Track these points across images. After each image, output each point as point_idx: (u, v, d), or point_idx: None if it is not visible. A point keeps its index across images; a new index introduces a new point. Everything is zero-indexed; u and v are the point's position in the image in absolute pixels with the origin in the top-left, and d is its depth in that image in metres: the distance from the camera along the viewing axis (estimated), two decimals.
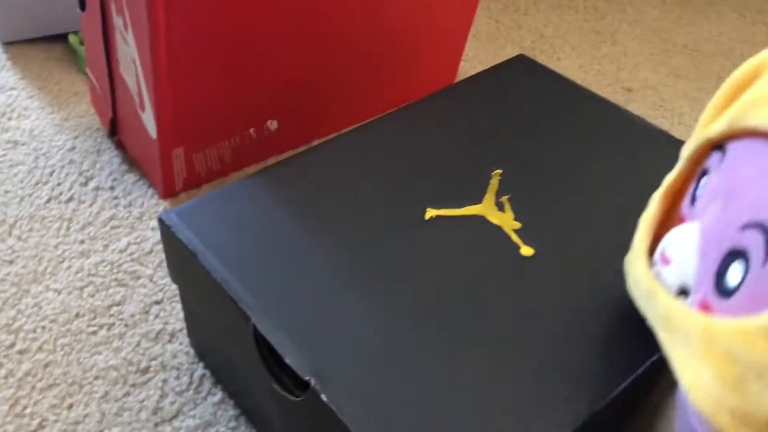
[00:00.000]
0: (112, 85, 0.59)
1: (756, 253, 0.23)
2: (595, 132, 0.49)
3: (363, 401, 0.32)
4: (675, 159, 0.46)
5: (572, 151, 0.47)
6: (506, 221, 0.41)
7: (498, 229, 0.41)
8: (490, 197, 0.42)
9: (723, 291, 0.25)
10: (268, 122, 0.59)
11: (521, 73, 0.55)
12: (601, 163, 0.46)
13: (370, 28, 0.60)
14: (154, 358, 0.48)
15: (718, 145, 0.28)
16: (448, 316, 0.36)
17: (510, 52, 0.81)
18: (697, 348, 0.24)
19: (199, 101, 0.53)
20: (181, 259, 0.41)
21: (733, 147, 0.27)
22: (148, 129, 0.55)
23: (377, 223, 0.41)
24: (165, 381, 0.47)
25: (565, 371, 0.34)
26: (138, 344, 0.49)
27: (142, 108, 0.55)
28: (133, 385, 0.46)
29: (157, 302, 0.52)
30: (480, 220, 0.41)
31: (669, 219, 0.32)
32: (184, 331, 0.50)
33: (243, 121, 0.58)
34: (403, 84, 0.67)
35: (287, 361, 0.33)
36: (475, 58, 0.79)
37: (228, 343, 0.40)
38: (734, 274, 0.24)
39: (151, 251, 0.55)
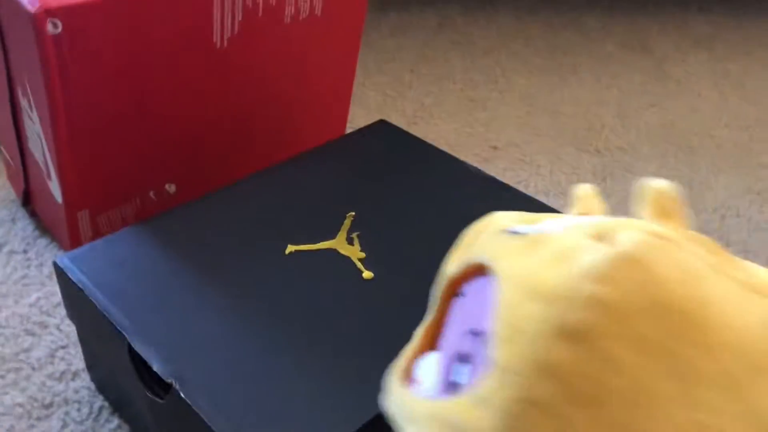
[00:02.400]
0: (23, 159, 0.66)
1: (476, 352, 0.29)
2: (435, 182, 0.58)
3: (215, 397, 0.39)
4: (500, 201, 0.56)
5: (414, 198, 0.56)
6: (354, 252, 0.50)
7: (347, 259, 0.49)
8: (342, 234, 0.51)
9: (452, 387, 0.29)
10: (167, 185, 0.67)
11: (381, 134, 0.64)
12: (437, 207, 0.56)
13: (256, 100, 0.69)
14: (58, 395, 0.54)
15: (459, 292, 0.33)
16: (296, 329, 0.44)
17: (395, 120, 0.92)
18: (428, 426, 0.30)
19: (99, 167, 0.61)
20: (74, 297, 0.48)
21: (465, 289, 0.32)
22: (55, 195, 0.62)
23: (243, 259, 0.49)
24: (67, 413, 0.53)
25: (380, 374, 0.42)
26: (43, 384, 0.55)
27: (49, 177, 0.62)
28: (38, 419, 0.52)
29: (63, 347, 0.58)
30: (332, 252, 0.50)
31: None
32: (86, 371, 0.56)
33: (143, 185, 0.66)
34: (292, 151, 0.76)
35: (154, 368, 0.41)
36: (364, 125, 0.89)
37: (113, 365, 0.47)
38: (459, 373, 0.29)
39: (59, 304, 0.62)
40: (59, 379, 0.55)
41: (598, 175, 0.84)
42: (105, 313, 0.44)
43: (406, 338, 0.43)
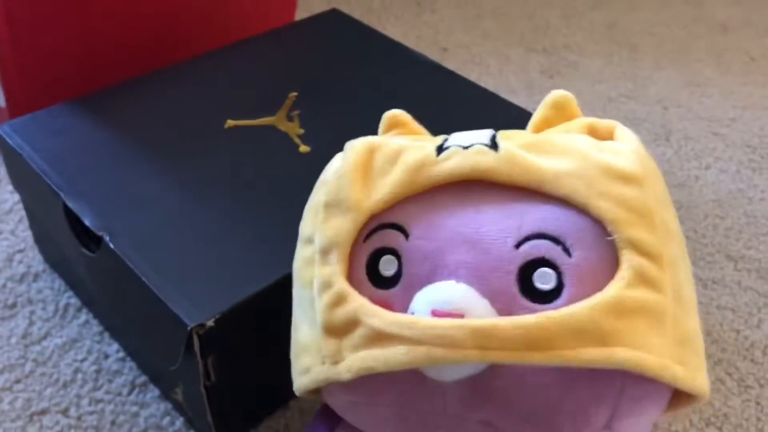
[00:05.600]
0: None
1: (556, 253, 0.28)
2: (385, 69, 0.58)
3: (143, 250, 0.41)
4: (449, 88, 0.56)
5: (362, 83, 0.56)
6: (292, 129, 0.51)
7: (285, 135, 0.50)
8: (282, 112, 0.52)
9: (541, 297, 0.28)
10: None
11: (332, 22, 0.64)
12: (384, 92, 0.56)
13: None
14: (20, 295, 0.53)
15: (387, 224, 0.31)
16: (227, 193, 0.45)
17: None
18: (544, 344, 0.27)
19: (42, 66, 0.59)
20: (15, 164, 0.49)
21: (416, 215, 0.30)
22: None
23: (180, 130, 0.50)
24: (32, 312, 0.52)
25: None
26: (4, 286, 0.54)
27: None
28: (2, 318, 0.52)
29: (20, 251, 0.57)
30: (271, 128, 0.51)
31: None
32: (48, 272, 0.55)
33: (93, 86, 0.63)
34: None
35: (86, 223, 0.42)
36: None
37: (52, 228, 0.48)
38: (543, 280, 0.28)
39: (10, 210, 0.60)
40: (20, 281, 0.54)
41: (545, 73, 0.86)
42: (42, 174, 0.45)
43: None
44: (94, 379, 0.48)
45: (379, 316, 0.28)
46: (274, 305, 0.41)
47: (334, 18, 0.64)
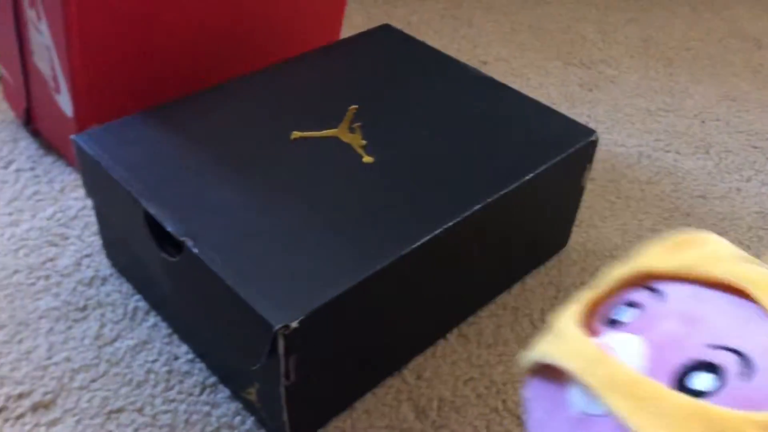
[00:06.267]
0: (26, 76, 0.66)
1: (731, 369, 0.29)
2: (438, 81, 0.60)
3: (225, 254, 0.43)
4: (501, 100, 0.58)
5: (416, 95, 0.58)
6: (355, 140, 0.53)
7: (348, 146, 0.52)
8: (344, 124, 0.54)
9: (683, 389, 0.29)
10: None
11: (385, 36, 0.66)
12: (438, 103, 0.58)
13: (257, 5, 0.69)
14: (90, 299, 0.55)
15: (647, 285, 0.34)
16: (299, 200, 0.47)
17: None
18: (682, 426, 0.28)
19: (110, 79, 0.61)
20: (91, 172, 0.51)
21: (674, 288, 0.33)
22: (65, 109, 0.62)
23: (250, 141, 0.52)
24: (103, 315, 0.54)
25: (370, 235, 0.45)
26: (74, 289, 0.56)
27: (58, 91, 0.62)
28: (75, 320, 0.54)
29: (87, 255, 0.59)
30: (334, 139, 0.53)
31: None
32: (115, 275, 0.57)
33: (155, 98, 0.66)
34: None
35: (168, 229, 0.44)
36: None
37: (129, 234, 0.50)
38: (702, 381, 0.29)
39: (76, 216, 0.62)
40: (89, 285, 0.56)
41: (584, 86, 0.87)
42: (121, 182, 0.47)
43: (397, 212, 0.47)
44: (166, 380, 0.50)
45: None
46: (352, 308, 0.43)
47: (387, 33, 0.67)
